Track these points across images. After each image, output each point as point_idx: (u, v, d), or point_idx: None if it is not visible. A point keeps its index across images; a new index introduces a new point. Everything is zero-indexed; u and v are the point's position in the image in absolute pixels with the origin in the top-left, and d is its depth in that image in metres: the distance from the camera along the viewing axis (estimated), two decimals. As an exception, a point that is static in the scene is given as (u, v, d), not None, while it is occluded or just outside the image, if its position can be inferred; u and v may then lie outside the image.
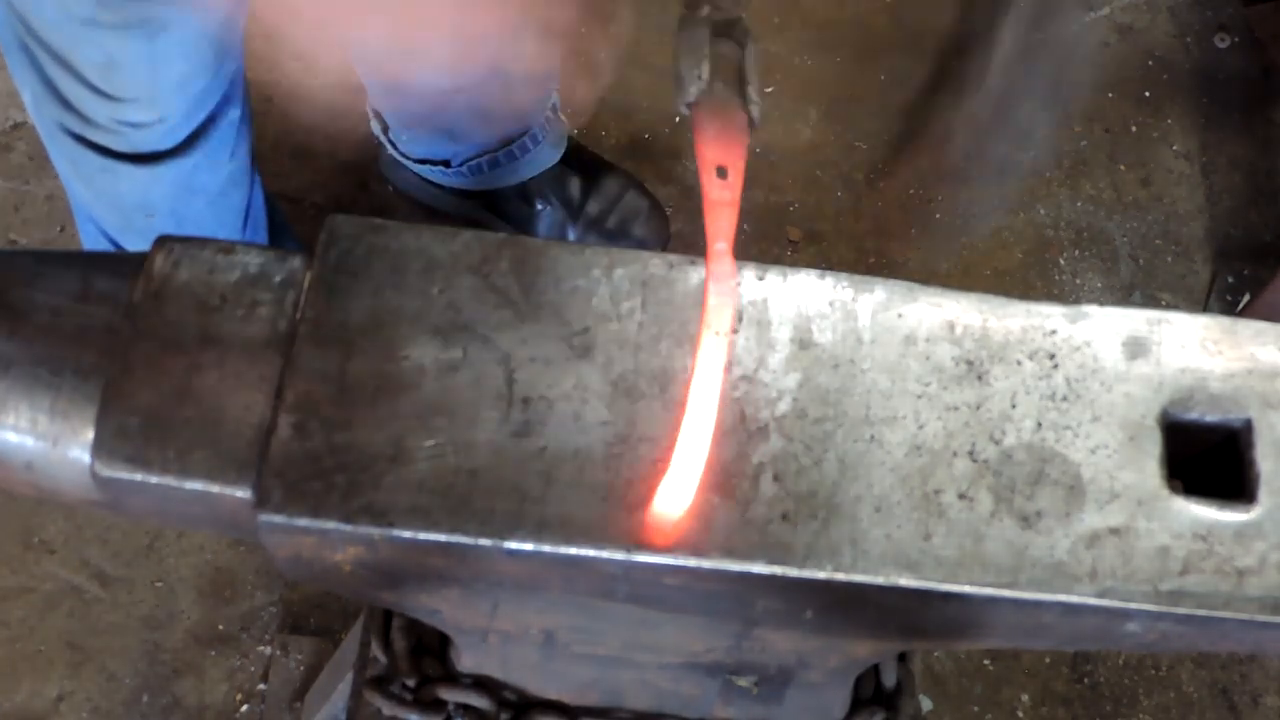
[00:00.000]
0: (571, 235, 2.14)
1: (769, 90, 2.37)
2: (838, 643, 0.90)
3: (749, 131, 0.93)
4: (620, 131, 2.32)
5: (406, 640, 1.05)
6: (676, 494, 0.79)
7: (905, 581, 0.79)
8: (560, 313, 0.85)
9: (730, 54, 0.96)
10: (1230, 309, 2.22)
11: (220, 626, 1.91)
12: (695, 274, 0.86)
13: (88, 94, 1.44)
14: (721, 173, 0.88)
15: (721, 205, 0.87)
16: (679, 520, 0.79)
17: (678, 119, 2.32)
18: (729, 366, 0.84)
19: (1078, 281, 2.25)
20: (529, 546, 0.78)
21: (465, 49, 0.86)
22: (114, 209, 1.67)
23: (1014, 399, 0.84)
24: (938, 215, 2.29)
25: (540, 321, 0.85)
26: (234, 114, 1.59)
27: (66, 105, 1.47)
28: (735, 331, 0.85)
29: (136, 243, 1.70)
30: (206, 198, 1.65)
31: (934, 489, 0.81)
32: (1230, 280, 2.25)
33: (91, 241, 1.77)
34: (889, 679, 1.07)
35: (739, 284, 0.86)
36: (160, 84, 1.45)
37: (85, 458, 0.81)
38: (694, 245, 0.86)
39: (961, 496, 0.81)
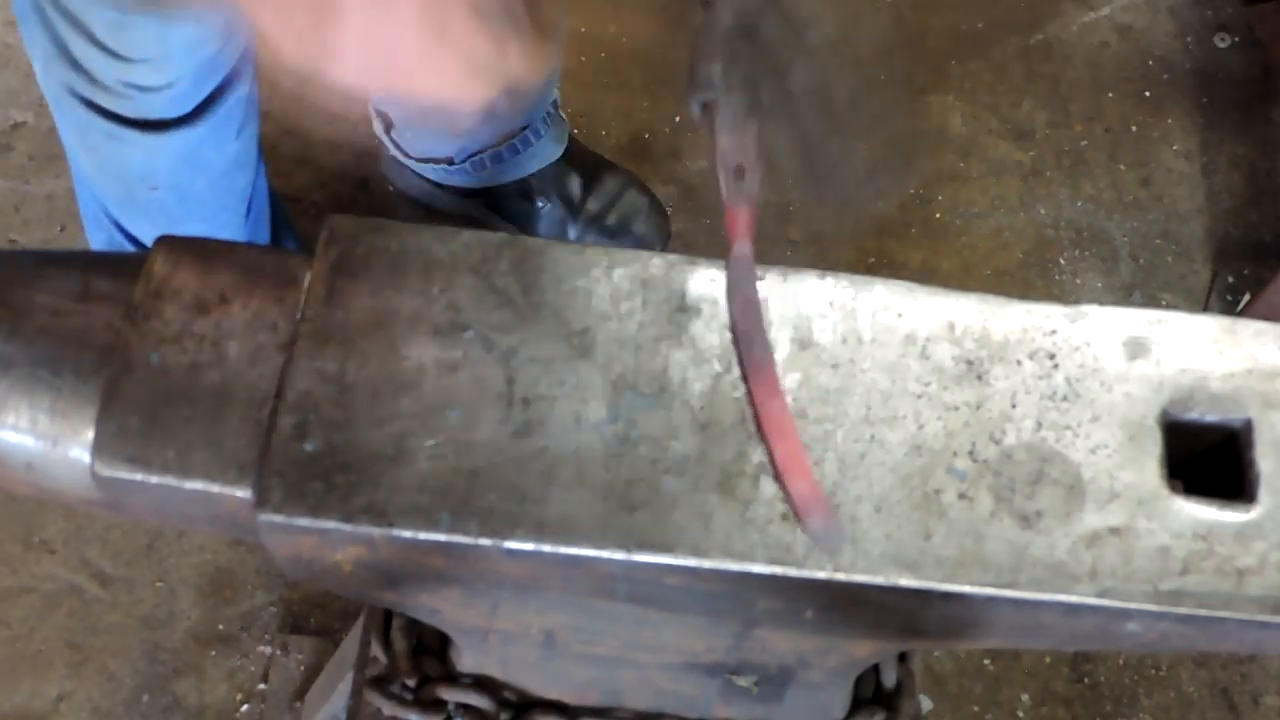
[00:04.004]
0: (572, 233, 2.15)
1: (769, 90, 2.37)
2: (838, 643, 0.90)
3: (764, 132, 0.93)
4: (620, 131, 2.32)
5: (406, 640, 1.05)
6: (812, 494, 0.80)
7: (905, 581, 0.79)
8: (560, 313, 0.85)
9: (746, 53, 0.96)
10: (1230, 309, 2.21)
11: (220, 626, 1.91)
12: (695, 274, 0.86)
13: (97, 54, 1.44)
14: (739, 172, 0.87)
15: (739, 206, 0.86)
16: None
17: (678, 118, 2.33)
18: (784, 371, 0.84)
19: (1078, 281, 2.25)
20: (529, 546, 0.78)
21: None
22: (117, 180, 1.67)
23: (1014, 399, 0.84)
24: (938, 215, 2.29)
25: (540, 321, 0.85)
26: (242, 90, 1.59)
27: (76, 67, 1.47)
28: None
29: (137, 219, 1.70)
30: (210, 176, 1.65)
31: (934, 489, 0.81)
32: (1230, 280, 2.25)
33: (93, 220, 1.77)
34: (889, 679, 1.07)
35: (761, 290, 0.86)
36: (171, 45, 1.45)
37: (85, 458, 0.81)
38: (694, 245, 0.86)
39: (961, 496, 0.81)
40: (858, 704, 1.05)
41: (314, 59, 0.81)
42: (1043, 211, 2.31)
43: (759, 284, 0.86)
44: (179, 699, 1.87)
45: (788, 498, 0.79)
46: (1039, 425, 0.83)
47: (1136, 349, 0.85)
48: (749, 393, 0.83)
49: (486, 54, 0.82)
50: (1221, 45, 2.48)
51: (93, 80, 1.48)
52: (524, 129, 2.03)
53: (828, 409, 0.83)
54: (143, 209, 1.67)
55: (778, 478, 0.80)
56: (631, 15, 2.28)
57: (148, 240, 0.89)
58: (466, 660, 1.01)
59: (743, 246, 0.85)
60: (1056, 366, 0.85)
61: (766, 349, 0.83)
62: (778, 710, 1.00)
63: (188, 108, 1.53)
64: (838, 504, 0.80)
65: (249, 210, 1.76)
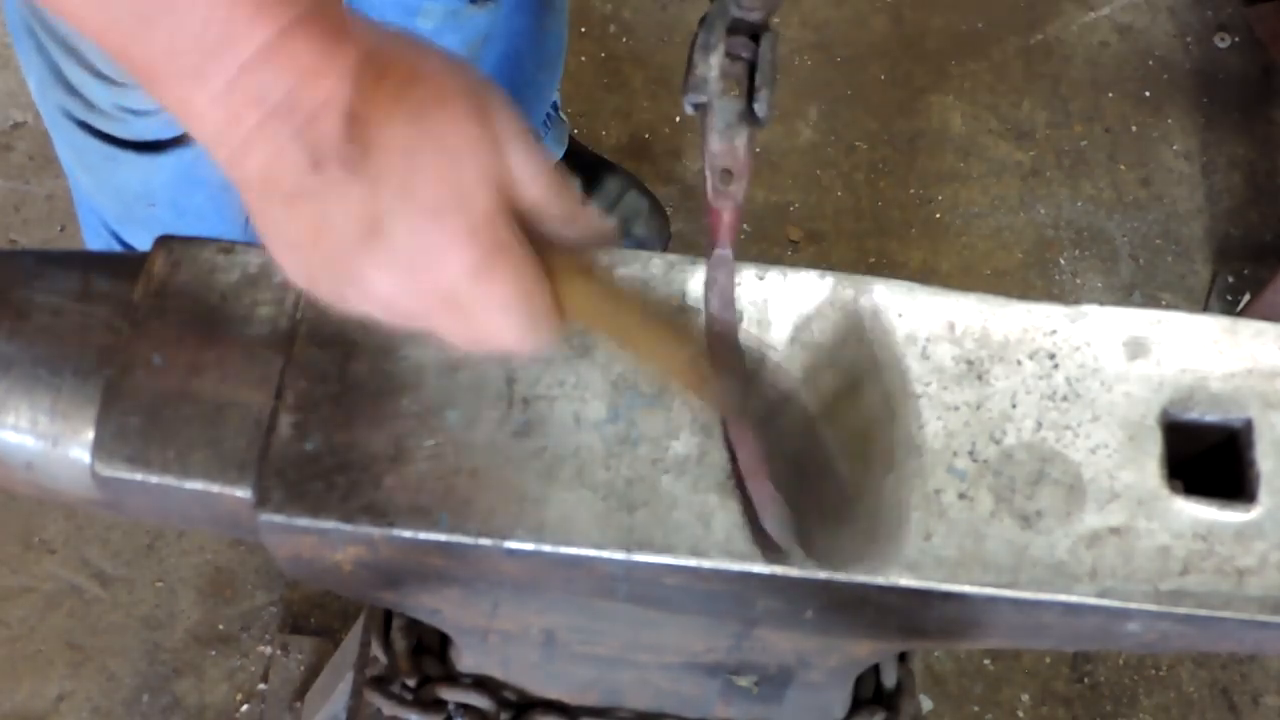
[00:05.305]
0: (572, 234, 2.14)
1: (769, 90, 2.37)
2: (838, 643, 0.90)
3: (756, 132, 0.93)
4: (620, 131, 2.32)
5: (406, 640, 1.05)
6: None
7: (905, 581, 0.79)
8: (560, 312, 0.85)
9: (746, 53, 0.96)
10: (1230, 309, 2.21)
11: (220, 626, 1.91)
12: (695, 274, 0.86)
13: (92, 80, 1.43)
14: (726, 176, 0.87)
15: (724, 209, 0.87)
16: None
17: (678, 118, 2.33)
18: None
19: (1078, 281, 2.25)
20: (529, 546, 0.78)
21: None
22: (115, 198, 1.67)
23: (1014, 399, 0.84)
24: (938, 215, 2.29)
25: (540, 321, 0.85)
26: None
27: (71, 91, 1.47)
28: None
29: (137, 233, 1.70)
30: (208, 191, 1.64)
31: (934, 489, 0.81)
32: (1230, 280, 2.25)
33: (92, 231, 1.77)
34: (889, 679, 1.07)
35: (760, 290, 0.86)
36: None
37: (85, 458, 0.81)
38: (694, 245, 0.86)
39: (961, 496, 0.81)
40: (858, 704, 1.05)
41: (339, 291, 0.70)
42: (1043, 211, 2.31)
43: (737, 285, 0.86)
44: (179, 699, 1.87)
45: (749, 499, 0.79)
46: (1039, 425, 0.83)
47: (1136, 349, 0.85)
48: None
49: (537, 291, 0.70)
50: (1221, 45, 2.48)
51: (88, 104, 1.47)
52: None
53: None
54: (142, 224, 1.66)
55: (739, 481, 0.80)
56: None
57: (147, 251, 0.88)
58: (466, 660, 1.01)
59: (724, 248, 0.85)
60: (1056, 366, 0.85)
61: (737, 350, 0.83)
62: (778, 710, 1.00)
63: (182, 129, 1.53)
64: (837, 504, 0.80)
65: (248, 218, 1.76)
